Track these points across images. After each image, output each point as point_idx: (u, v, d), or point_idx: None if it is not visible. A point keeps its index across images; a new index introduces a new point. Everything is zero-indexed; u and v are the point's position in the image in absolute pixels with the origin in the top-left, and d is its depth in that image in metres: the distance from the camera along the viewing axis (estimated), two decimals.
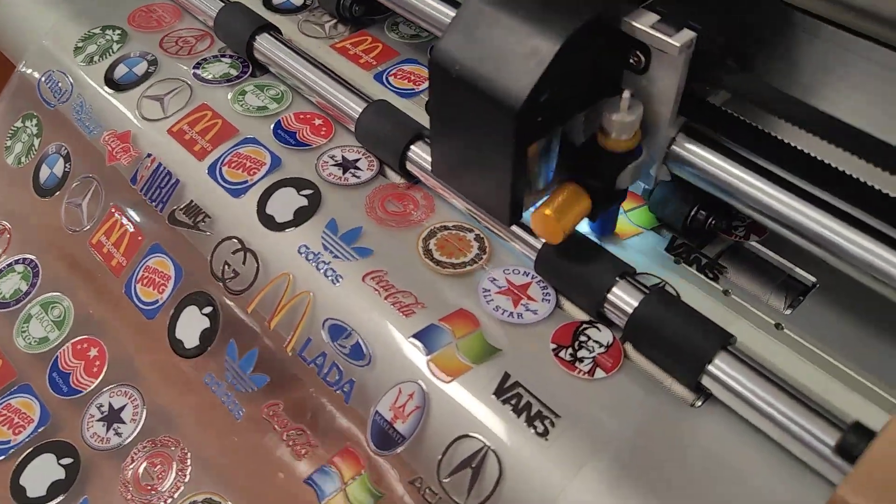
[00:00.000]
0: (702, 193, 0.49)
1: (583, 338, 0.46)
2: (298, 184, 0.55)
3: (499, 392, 0.44)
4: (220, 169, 0.57)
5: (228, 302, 0.53)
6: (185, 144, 0.59)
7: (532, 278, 0.49)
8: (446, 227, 0.52)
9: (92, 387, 0.57)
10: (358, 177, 0.55)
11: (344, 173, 0.56)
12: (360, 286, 0.49)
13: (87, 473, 0.54)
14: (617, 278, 0.45)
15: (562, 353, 0.45)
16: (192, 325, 0.54)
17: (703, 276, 0.49)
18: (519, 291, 0.48)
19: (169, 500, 0.51)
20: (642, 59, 0.43)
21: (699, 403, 0.43)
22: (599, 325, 0.46)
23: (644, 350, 0.44)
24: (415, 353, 0.46)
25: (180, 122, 0.61)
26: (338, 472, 0.47)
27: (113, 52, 0.67)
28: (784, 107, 0.42)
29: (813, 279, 0.49)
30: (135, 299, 0.57)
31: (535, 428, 0.42)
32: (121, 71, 0.65)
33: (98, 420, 0.55)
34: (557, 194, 0.44)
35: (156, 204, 0.58)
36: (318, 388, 0.48)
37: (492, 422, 0.43)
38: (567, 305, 0.48)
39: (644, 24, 0.41)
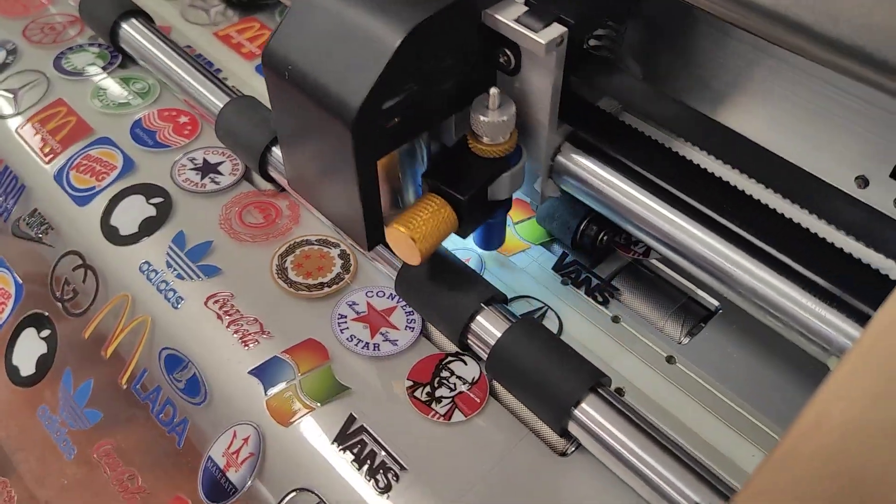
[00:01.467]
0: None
1: (445, 373, 0.40)
2: (149, 191, 0.49)
3: (341, 438, 0.38)
4: (68, 174, 0.51)
5: (67, 325, 0.47)
6: (33, 145, 0.53)
7: (398, 302, 0.43)
8: (308, 242, 0.46)
9: None
10: (217, 182, 0.49)
11: (202, 179, 0.49)
12: (202, 311, 0.43)
13: None
14: (482, 305, 0.39)
15: (418, 393, 0.39)
16: (29, 350, 0.48)
17: (591, 300, 0.43)
18: (379, 318, 0.42)
19: None
20: (511, 57, 0.37)
21: (571, 451, 0.37)
22: (466, 358, 0.40)
23: (510, 389, 0.38)
24: (253, 391, 0.40)
25: (32, 119, 0.54)
26: None
27: None
28: (675, 118, 0.36)
29: (716, 303, 0.43)
30: None
31: (376, 482, 0.36)
32: None
33: None
34: (417, 209, 0.37)
35: (2, 213, 0.52)
36: (152, 428, 0.42)
37: (329, 474, 0.37)
38: (435, 335, 0.42)
39: (507, 17, 0.35)
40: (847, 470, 0.20)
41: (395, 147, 0.36)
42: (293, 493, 0.37)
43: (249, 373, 0.41)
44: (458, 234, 0.39)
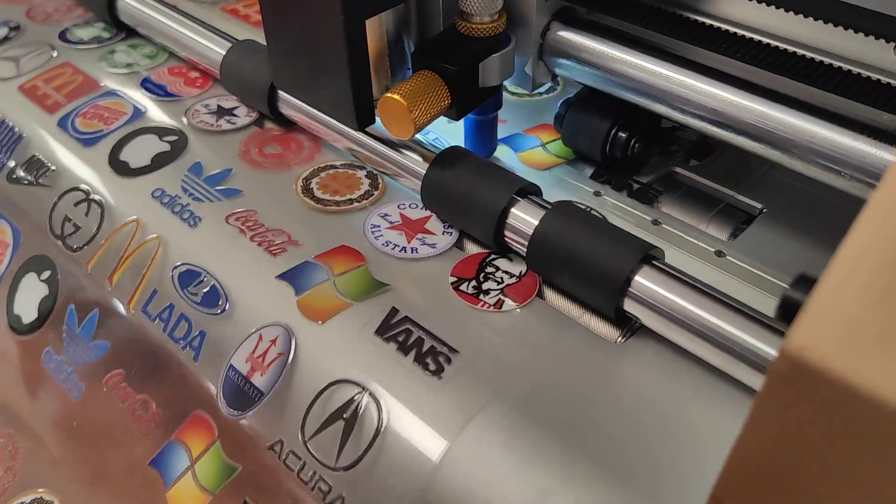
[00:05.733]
0: (618, 110, 0.42)
1: (490, 269, 0.37)
2: (162, 131, 0.47)
3: (383, 329, 0.35)
4: (73, 120, 0.48)
5: (68, 262, 0.43)
6: (36, 100, 0.51)
7: (432, 213, 0.41)
8: (333, 167, 0.44)
9: None
10: (234, 123, 0.47)
11: (218, 120, 0.47)
12: (222, 227, 0.40)
13: None
14: (514, 196, 0.36)
15: (463, 287, 0.36)
16: (30, 296, 0.44)
17: (630, 205, 0.41)
18: (415, 225, 0.40)
19: None
20: None
21: (622, 340, 0.34)
22: (511, 255, 0.38)
23: (555, 278, 0.36)
24: (281, 295, 0.37)
25: (35, 79, 0.52)
26: (185, 447, 0.36)
27: None
28: None
29: (759, 206, 0.41)
30: None
31: (426, 365, 0.33)
32: None
33: None
34: (408, 81, 0.36)
35: None
36: (164, 346, 0.38)
37: (371, 363, 0.33)
38: (470, 247, 0.39)
39: None
40: None
41: (383, 7, 0.36)
42: (332, 387, 0.33)
43: (278, 277, 0.37)
44: (449, 115, 0.38)
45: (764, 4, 0.34)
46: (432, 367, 0.33)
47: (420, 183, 0.39)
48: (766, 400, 0.18)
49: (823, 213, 0.40)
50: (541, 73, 0.41)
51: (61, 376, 0.41)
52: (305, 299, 0.36)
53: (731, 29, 0.37)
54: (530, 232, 0.35)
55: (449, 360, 0.33)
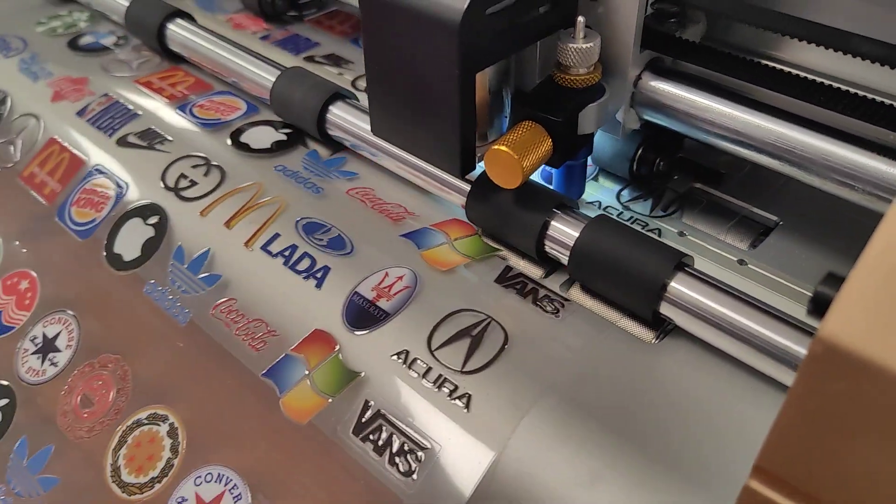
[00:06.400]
0: (644, 132, 0.46)
1: None
2: (277, 124, 0.53)
3: (501, 279, 0.40)
4: (192, 109, 0.54)
5: (180, 209, 0.47)
6: (153, 90, 0.56)
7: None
8: None
9: (25, 320, 0.47)
10: None
11: None
12: (344, 197, 0.46)
13: (24, 411, 0.44)
14: (554, 210, 0.40)
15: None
16: (133, 237, 0.47)
17: (656, 218, 0.46)
18: None
19: (111, 423, 0.40)
20: None
21: (657, 341, 0.37)
22: None
23: (595, 284, 0.39)
24: (405, 248, 0.42)
25: (149, 76, 0.58)
26: (303, 358, 0.39)
27: (79, 28, 0.65)
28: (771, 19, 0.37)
29: (776, 218, 0.45)
30: (68, 223, 0.50)
31: (543, 308, 0.38)
32: (87, 40, 0.63)
33: (33, 353, 0.46)
34: (512, 132, 0.38)
35: (106, 130, 0.53)
36: (283, 279, 0.42)
37: (495, 299, 0.39)
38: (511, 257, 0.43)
39: None
40: None
41: (491, 61, 0.37)
42: (459, 312, 0.38)
43: (402, 235, 0.42)
44: (550, 164, 0.40)
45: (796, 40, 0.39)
46: (549, 308, 0.38)
47: (464, 198, 0.43)
48: (804, 379, 0.20)
49: (835, 224, 0.44)
50: (631, 119, 0.44)
51: (165, 304, 0.43)
52: (429, 253, 0.41)
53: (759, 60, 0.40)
54: (571, 243, 0.38)
55: (563, 305, 0.38)
